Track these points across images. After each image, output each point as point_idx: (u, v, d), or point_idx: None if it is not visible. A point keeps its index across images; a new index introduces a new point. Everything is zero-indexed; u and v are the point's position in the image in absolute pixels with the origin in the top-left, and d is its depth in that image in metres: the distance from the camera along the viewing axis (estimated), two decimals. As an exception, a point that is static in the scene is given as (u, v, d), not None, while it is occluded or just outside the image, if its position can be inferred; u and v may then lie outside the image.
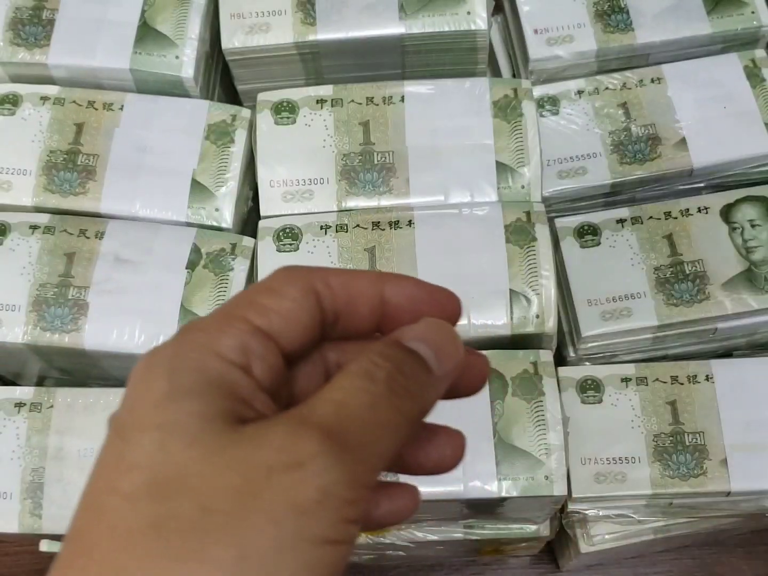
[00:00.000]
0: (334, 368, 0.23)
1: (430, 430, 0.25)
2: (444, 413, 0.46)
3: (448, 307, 0.23)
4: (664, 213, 0.50)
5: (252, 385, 0.20)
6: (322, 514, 0.17)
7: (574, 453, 0.47)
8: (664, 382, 0.48)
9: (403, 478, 0.25)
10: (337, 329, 0.23)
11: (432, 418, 0.23)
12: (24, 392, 0.46)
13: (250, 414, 0.20)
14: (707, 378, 0.48)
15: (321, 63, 0.52)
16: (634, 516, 0.50)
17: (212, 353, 0.20)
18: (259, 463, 0.18)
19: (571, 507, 0.48)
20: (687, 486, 0.46)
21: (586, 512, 0.49)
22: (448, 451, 0.24)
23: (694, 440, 0.47)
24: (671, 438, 0.47)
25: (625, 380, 0.48)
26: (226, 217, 0.48)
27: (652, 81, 0.53)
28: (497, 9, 0.57)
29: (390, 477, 0.26)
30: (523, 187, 0.48)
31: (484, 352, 0.46)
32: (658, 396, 0.48)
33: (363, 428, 0.19)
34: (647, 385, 0.48)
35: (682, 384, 0.48)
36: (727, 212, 0.50)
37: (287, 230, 0.46)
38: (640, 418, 0.47)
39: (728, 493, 0.46)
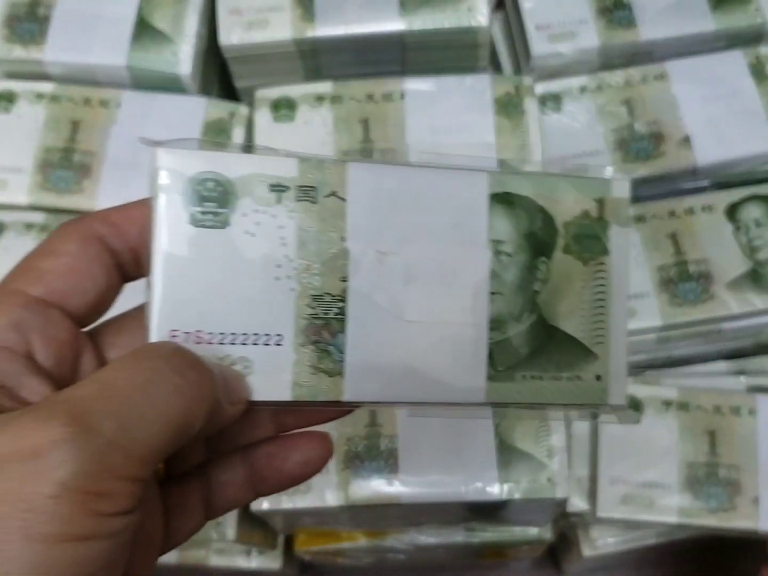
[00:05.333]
0: None
1: (286, 438, 0.24)
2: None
3: None
4: (668, 212, 0.49)
5: (18, 369, 0.19)
6: (57, 510, 0.16)
7: (605, 472, 0.46)
8: (706, 411, 0.47)
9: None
10: (143, 267, 0.22)
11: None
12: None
13: (6, 403, 0.19)
14: (750, 412, 0.47)
15: (320, 59, 0.52)
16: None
17: None
18: None
19: (570, 509, 0.47)
20: (715, 519, 0.45)
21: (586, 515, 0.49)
22: (313, 448, 0.23)
23: (729, 474, 0.46)
24: (706, 468, 0.46)
25: (667, 404, 0.47)
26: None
27: (656, 78, 0.52)
28: (499, 5, 0.57)
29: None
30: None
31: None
32: (698, 424, 0.47)
33: (127, 410, 0.17)
34: (688, 411, 0.47)
35: (723, 414, 0.47)
36: (731, 211, 0.49)
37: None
38: (677, 444, 0.46)
39: (755, 532, 0.45)
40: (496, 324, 0.23)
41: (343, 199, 0.23)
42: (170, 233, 0.21)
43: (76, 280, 0.20)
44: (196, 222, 0.22)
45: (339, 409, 0.24)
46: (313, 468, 0.24)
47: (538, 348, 0.24)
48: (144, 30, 0.50)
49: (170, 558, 0.52)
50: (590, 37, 0.52)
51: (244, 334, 0.22)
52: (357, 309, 0.23)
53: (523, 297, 0.24)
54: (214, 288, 0.22)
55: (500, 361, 0.23)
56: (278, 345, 0.22)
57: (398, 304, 0.23)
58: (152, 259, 0.21)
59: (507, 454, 0.43)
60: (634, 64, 0.53)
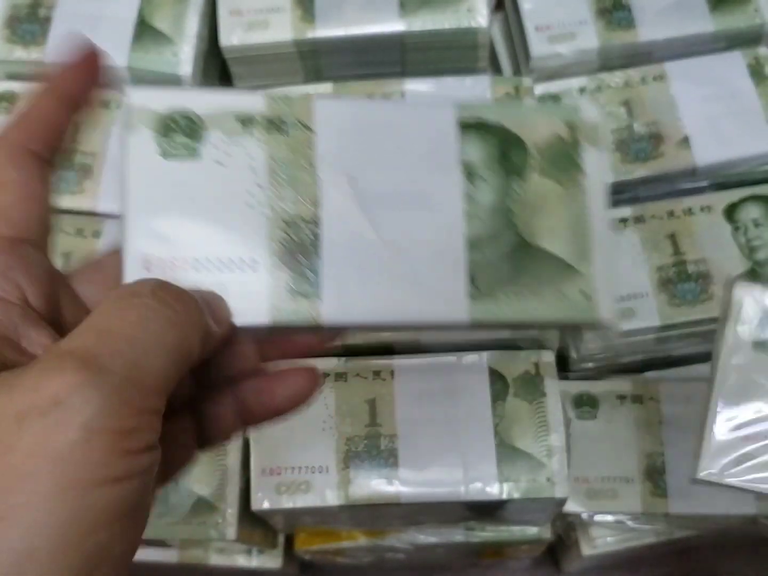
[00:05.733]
0: None
1: (273, 374, 0.24)
2: (443, 415, 0.46)
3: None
4: (667, 212, 0.50)
5: (15, 318, 0.19)
6: (88, 455, 0.16)
7: (716, 420, 0.36)
8: None
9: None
10: (61, 149, 0.22)
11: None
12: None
13: (11, 355, 0.18)
14: None
15: (320, 60, 0.52)
16: (629, 523, 0.49)
17: None
18: (9, 412, 0.16)
19: (566, 509, 0.47)
20: None
21: (583, 517, 0.49)
22: (300, 382, 0.24)
23: None
24: None
25: None
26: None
27: (655, 79, 0.52)
28: (498, 6, 0.57)
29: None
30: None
31: (485, 353, 0.45)
32: None
33: (130, 347, 0.17)
34: None
35: None
36: (730, 211, 0.49)
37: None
38: None
39: None
40: (475, 244, 0.24)
41: (312, 130, 0.23)
42: (141, 165, 0.22)
43: (30, 208, 0.21)
44: (167, 154, 0.22)
45: (322, 335, 0.24)
46: (300, 400, 0.24)
47: (519, 267, 0.24)
48: (145, 31, 0.50)
49: (170, 557, 0.52)
50: (590, 38, 0.52)
51: (218, 259, 0.22)
52: (332, 232, 0.23)
53: (500, 218, 0.24)
54: (187, 216, 0.22)
55: (481, 280, 0.24)
56: (253, 270, 0.22)
57: (374, 225, 0.23)
58: (124, 189, 0.22)
59: (506, 453, 0.43)
60: (633, 65, 0.53)
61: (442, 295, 0.24)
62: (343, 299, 0.23)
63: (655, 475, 0.47)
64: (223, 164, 0.23)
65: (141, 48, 0.50)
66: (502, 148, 0.25)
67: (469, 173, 0.24)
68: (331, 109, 0.24)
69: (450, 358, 0.45)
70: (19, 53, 0.50)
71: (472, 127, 0.24)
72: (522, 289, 0.24)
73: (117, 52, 0.50)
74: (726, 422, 0.36)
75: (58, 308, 0.21)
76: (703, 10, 0.53)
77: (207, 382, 0.24)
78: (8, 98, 0.50)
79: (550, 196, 0.25)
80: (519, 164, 0.25)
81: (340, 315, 0.23)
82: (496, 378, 0.44)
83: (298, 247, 0.23)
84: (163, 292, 0.19)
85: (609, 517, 0.49)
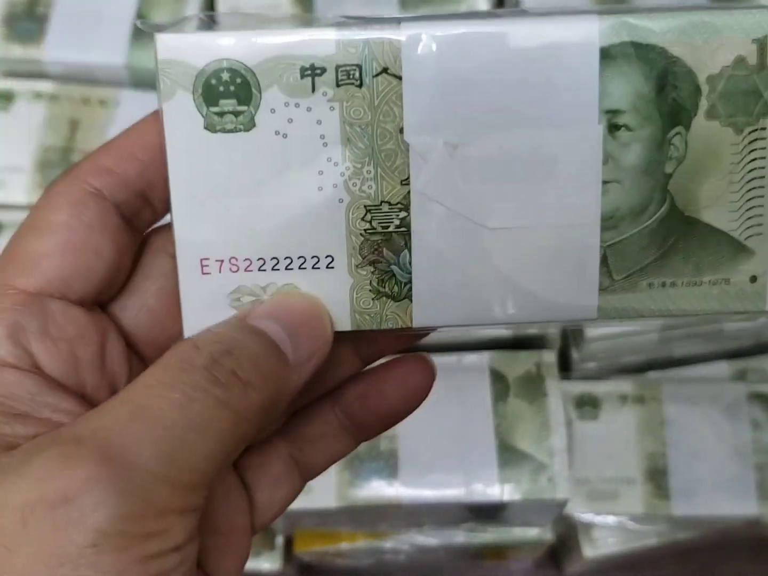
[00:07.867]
0: None
1: (376, 372, 0.21)
2: (442, 415, 0.45)
3: None
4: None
5: (29, 387, 0.16)
6: (98, 561, 0.13)
7: None
8: None
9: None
10: (159, 208, 0.19)
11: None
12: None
13: (23, 431, 0.16)
14: None
15: (320, 58, 0.51)
16: (631, 525, 0.49)
17: None
18: (15, 504, 0.14)
19: (567, 511, 0.47)
20: None
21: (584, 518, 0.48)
22: (413, 376, 0.20)
23: None
24: None
25: None
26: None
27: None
28: (499, 4, 0.57)
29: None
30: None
31: (485, 353, 0.45)
32: None
33: (166, 434, 0.15)
34: None
35: None
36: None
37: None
38: None
39: None
40: (611, 222, 0.19)
41: (398, 77, 0.18)
42: (185, 144, 0.18)
43: (76, 260, 0.17)
44: (213, 126, 0.18)
45: (408, 337, 0.21)
46: (417, 397, 0.20)
47: (670, 247, 0.19)
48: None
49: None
50: (591, 36, 0.52)
51: (287, 257, 0.19)
52: (424, 218, 0.18)
53: (650, 184, 0.18)
54: (246, 205, 0.18)
55: (618, 267, 0.19)
56: (330, 268, 0.19)
57: (477, 208, 0.18)
58: (169, 178, 0.18)
59: (507, 454, 0.42)
60: (635, 63, 0.52)
61: (564, 290, 0.19)
62: (439, 300, 0.19)
63: (657, 476, 0.46)
64: (285, 135, 0.18)
65: (139, 46, 0.50)
66: (661, 83, 0.18)
67: (613, 124, 0.18)
68: (425, 42, 0.18)
69: (450, 358, 0.44)
70: (17, 51, 0.50)
71: (620, 53, 0.18)
72: (672, 277, 0.19)
73: (115, 50, 0.50)
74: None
75: (102, 364, 0.18)
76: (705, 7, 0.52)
77: (300, 400, 0.21)
78: (6, 96, 0.50)
79: (719, 147, 0.18)
80: (684, 107, 0.18)
81: (434, 318, 0.19)
82: (497, 378, 0.44)
83: (383, 238, 0.19)
84: (221, 369, 0.16)
85: (611, 519, 0.49)
